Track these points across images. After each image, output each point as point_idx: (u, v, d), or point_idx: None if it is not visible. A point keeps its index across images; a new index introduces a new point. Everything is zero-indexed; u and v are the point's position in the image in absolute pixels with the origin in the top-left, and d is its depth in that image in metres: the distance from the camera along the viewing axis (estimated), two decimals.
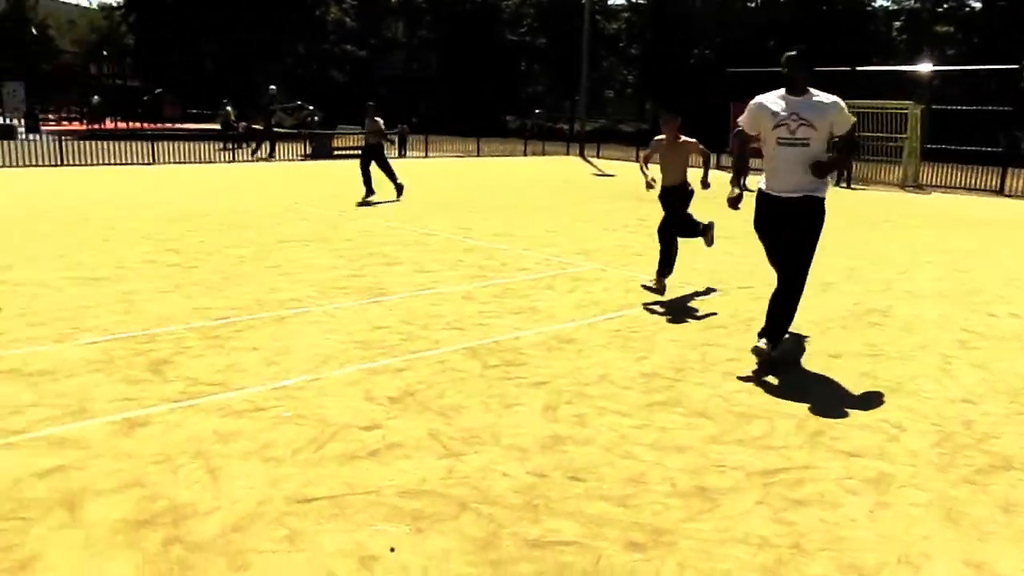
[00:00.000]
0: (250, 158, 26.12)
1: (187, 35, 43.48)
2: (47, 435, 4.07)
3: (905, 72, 34.76)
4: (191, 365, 5.19)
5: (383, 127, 15.62)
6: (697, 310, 7.12)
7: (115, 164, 22.14)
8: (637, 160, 8.64)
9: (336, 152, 28.34)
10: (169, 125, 42.22)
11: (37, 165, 21.01)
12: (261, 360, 5.32)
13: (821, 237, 5.55)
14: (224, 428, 4.21)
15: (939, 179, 24.36)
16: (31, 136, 27.49)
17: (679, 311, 7.09)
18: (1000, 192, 22.61)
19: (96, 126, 40.27)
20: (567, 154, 32.63)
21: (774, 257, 5.76)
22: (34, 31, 62.49)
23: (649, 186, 7.74)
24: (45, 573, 2.90)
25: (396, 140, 30.05)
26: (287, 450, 3.97)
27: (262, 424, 4.28)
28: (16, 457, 3.81)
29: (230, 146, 28.21)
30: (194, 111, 48.38)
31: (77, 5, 70.28)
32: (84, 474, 3.66)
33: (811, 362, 5.74)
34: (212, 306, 6.72)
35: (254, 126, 29.72)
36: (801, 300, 5.62)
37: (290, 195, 15.08)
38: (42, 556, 3.01)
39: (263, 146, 27.41)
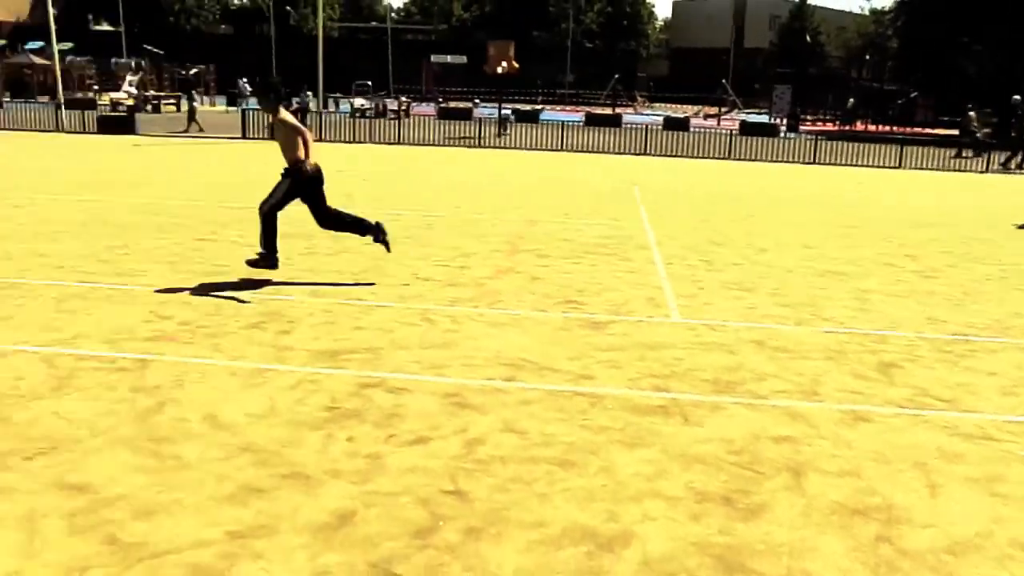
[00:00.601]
0: (999, 168, 23.50)
1: (955, 36, 41.44)
2: (784, 406, 4.51)
3: None
4: (920, 375, 5.12)
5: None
6: None
7: (861, 165, 22.68)
8: None
9: None
10: (919, 129, 41.37)
11: (795, 162, 22.84)
12: (998, 387, 4.96)
13: None
14: (949, 447, 4.07)
15: None
16: (790, 135, 30.09)
17: None
18: None
19: (847, 127, 41.88)
20: None
21: None
22: (808, 38, 67.42)
23: None
24: (771, 524, 3.26)
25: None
26: (1017, 488, 3.66)
27: (990, 454, 4.01)
28: (756, 417, 4.33)
29: (967, 154, 26.09)
30: (945, 118, 46.26)
31: (850, 12, 73.24)
32: (809, 450, 3.96)
33: None
34: (948, 319, 6.48)
35: (1012, 133, 26.91)
36: None
37: None
38: (770, 508, 3.38)
39: (1016, 156, 24.23)
